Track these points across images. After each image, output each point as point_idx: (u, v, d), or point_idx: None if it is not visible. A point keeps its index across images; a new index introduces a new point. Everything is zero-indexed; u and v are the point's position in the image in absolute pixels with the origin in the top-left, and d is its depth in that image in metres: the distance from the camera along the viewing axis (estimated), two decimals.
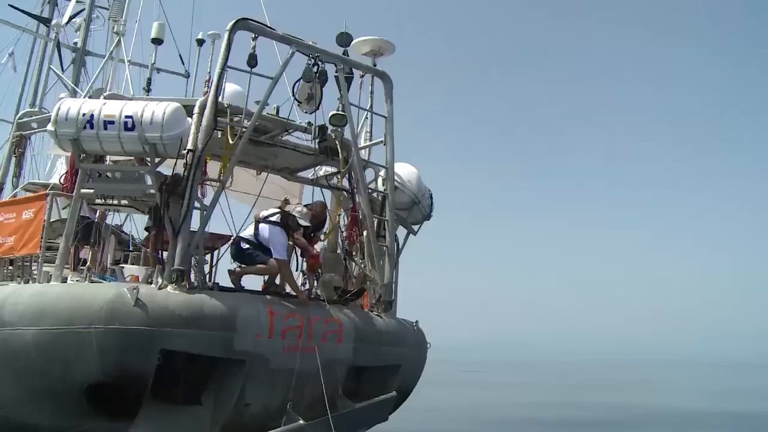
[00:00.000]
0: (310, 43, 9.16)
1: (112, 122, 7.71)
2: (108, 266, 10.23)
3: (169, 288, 7.62)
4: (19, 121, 10.33)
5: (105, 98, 8.65)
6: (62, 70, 14.99)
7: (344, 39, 10.83)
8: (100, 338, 7.06)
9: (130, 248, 12.62)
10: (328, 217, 10.10)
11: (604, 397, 32.07)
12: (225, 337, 7.60)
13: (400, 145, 10.16)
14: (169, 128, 7.78)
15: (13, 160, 10.41)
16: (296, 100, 9.10)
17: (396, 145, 10.12)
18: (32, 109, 11.70)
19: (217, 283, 8.46)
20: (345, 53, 10.65)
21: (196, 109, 8.29)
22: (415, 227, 11.11)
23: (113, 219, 12.88)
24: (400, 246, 10.67)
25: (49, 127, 7.89)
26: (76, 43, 17.82)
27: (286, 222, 8.74)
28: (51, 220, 9.07)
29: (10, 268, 9.57)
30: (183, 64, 18.16)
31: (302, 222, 8.85)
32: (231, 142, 8.53)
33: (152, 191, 8.09)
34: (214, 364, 7.81)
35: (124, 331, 7.10)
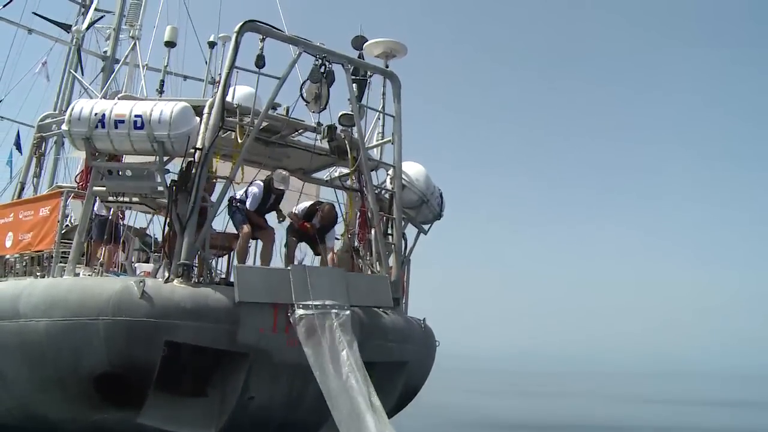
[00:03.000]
0: (318, 44, 9.33)
1: (122, 121, 8.00)
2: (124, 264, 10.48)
3: (175, 282, 7.83)
4: (40, 123, 10.71)
5: (119, 99, 8.94)
6: (82, 74, 15.43)
7: (359, 42, 11.00)
8: (107, 329, 7.29)
9: (152, 250, 12.92)
10: (339, 219, 10.27)
11: None
12: (228, 329, 7.75)
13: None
14: (177, 127, 8.04)
15: (34, 161, 10.76)
16: (304, 100, 9.27)
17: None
18: (53, 112, 12.08)
19: (224, 278, 8.65)
20: (360, 56, 10.80)
21: (205, 109, 8.54)
22: (426, 227, 11.17)
23: (136, 221, 13.19)
24: (410, 245, 10.76)
25: (63, 126, 8.21)
26: (105, 52, 18.37)
27: (268, 183, 9.42)
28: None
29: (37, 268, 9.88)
30: (210, 72, 18.57)
31: (278, 186, 9.39)
32: (240, 141, 8.76)
33: (161, 188, 8.31)
34: (219, 357, 7.99)
35: (130, 322, 7.31)
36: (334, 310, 8.07)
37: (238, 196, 9.45)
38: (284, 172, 9.57)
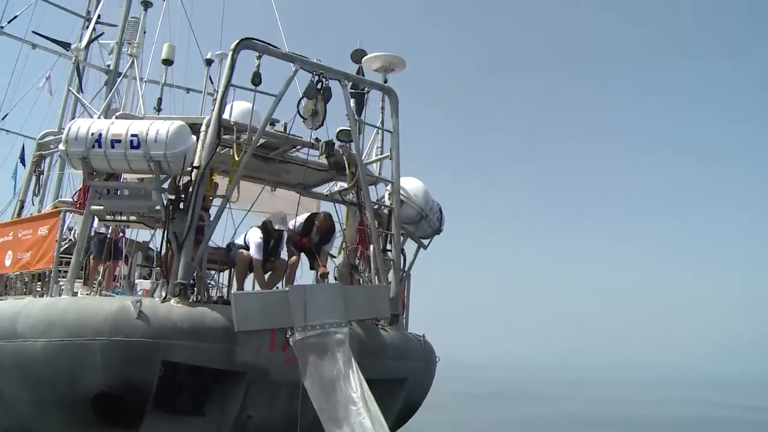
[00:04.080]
0: (315, 60, 9.33)
1: (118, 141, 8.01)
2: (123, 280, 10.49)
3: (172, 301, 7.83)
4: (39, 141, 10.77)
5: (116, 118, 8.97)
6: (82, 92, 15.49)
7: (358, 55, 11.00)
8: (104, 349, 7.27)
9: (155, 264, 12.92)
10: (337, 229, 10.24)
11: None
12: (226, 349, 7.74)
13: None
14: (173, 146, 8.05)
15: (34, 178, 10.81)
16: (301, 116, 9.27)
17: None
18: (52, 130, 12.16)
19: (222, 297, 8.65)
20: (359, 69, 10.80)
21: (202, 127, 8.55)
22: (425, 241, 11.14)
23: (138, 236, 13.22)
24: (409, 260, 10.73)
25: (61, 146, 8.23)
26: (108, 66, 18.46)
27: (266, 227, 9.33)
28: None
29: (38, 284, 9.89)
30: (212, 83, 18.64)
31: (277, 226, 9.33)
32: (237, 158, 8.76)
33: (159, 207, 8.31)
34: (216, 376, 7.97)
35: (127, 342, 7.29)
36: (332, 329, 8.05)
37: (237, 242, 9.45)
38: (282, 213, 9.56)
